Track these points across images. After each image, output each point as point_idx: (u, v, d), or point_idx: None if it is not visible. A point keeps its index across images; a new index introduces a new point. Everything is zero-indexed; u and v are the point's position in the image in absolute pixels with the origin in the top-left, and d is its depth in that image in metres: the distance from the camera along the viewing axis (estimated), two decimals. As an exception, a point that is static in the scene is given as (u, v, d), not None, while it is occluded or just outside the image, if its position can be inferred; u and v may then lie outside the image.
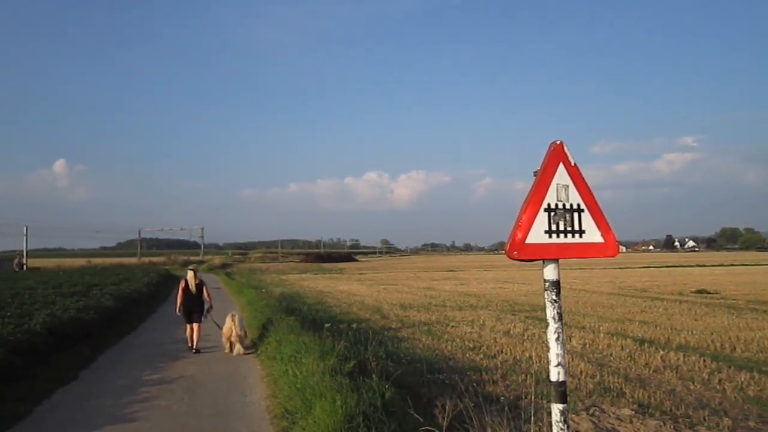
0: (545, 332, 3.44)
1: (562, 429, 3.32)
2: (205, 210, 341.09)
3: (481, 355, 11.61)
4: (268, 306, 18.52)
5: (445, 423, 5.54)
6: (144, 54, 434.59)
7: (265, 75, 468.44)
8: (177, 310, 13.47)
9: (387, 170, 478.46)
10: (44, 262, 78.54)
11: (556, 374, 3.33)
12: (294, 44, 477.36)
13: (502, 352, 11.95)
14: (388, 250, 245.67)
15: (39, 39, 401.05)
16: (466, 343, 13.07)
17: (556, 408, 3.34)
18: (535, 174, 3.38)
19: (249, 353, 12.32)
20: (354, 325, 15.41)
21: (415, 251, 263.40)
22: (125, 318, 18.10)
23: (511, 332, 14.66)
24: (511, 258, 3.30)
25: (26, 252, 75.50)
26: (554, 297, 3.36)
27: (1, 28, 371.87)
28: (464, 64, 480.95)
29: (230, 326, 12.53)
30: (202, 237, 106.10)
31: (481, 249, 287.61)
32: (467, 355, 11.70)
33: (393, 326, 16.18)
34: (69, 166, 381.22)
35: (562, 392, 3.34)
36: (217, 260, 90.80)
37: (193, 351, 12.76)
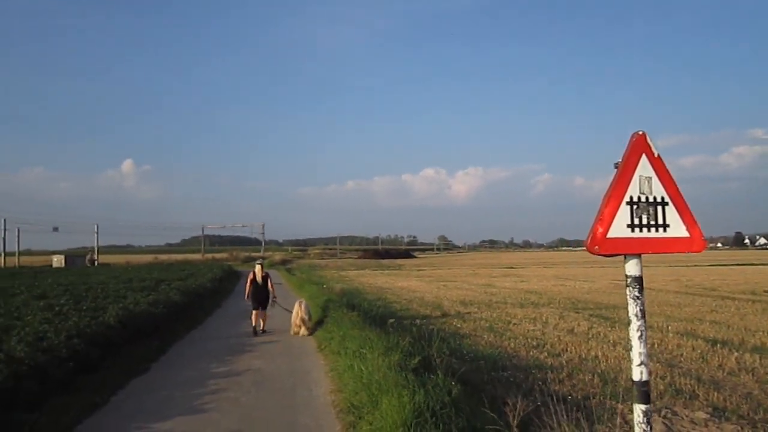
0: (627, 330, 3.32)
1: (645, 430, 3.20)
2: (265, 208, 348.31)
3: (545, 354, 11.39)
4: (330, 301, 18.71)
5: (515, 422, 5.44)
6: (207, 60, 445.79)
7: (320, 73, 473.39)
8: (246, 297, 15.39)
9: (444, 166, 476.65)
10: (114, 258, 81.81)
11: (638, 373, 3.21)
12: (352, 43, 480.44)
13: (566, 350, 11.69)
14: (446, 246, 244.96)
15: (116, 46, 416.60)
16: (529, 340, 12.86)
17: (639, 408, 3.22)
18: (616, 166, 3.25)
19: (311, 334, 14.08)
20: (417, 321, 15.42)
21: (473, 248, 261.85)
22: (191, 312, 18.62)
23: (575, 330, 14.35)
24: (592, 253, 3.20)
25: (97, 249, 78.79)
26: (637, 293, 3.24)
27: (80, 34, 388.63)
28: (520, 59, 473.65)
29: (297, 311, 14.51)
30: (263, 234, 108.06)
31: (540, 245, 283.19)
32: (531, 353, 11.50)
33: (454, 323, 16.08)
34: (136, 166, 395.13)
35: (645, 392, 3.22)
36: (278, 256, 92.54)
37: (260, 332, 14.70)
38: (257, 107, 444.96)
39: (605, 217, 3.19)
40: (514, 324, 15.72)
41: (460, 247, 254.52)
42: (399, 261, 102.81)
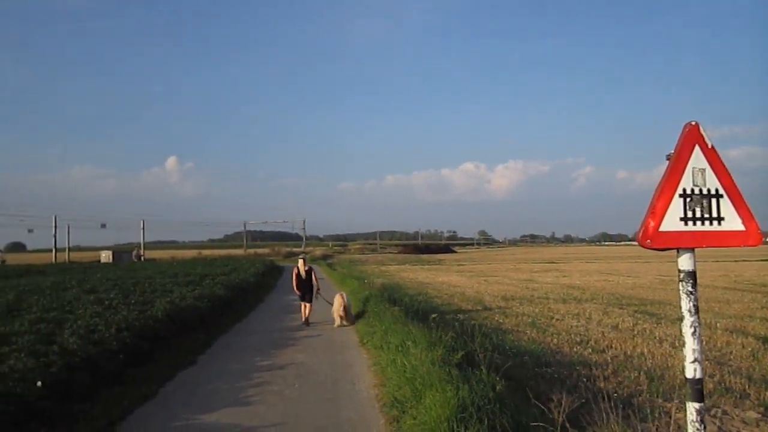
0: (678, 326, 3.25)
1: (698, 429, 3.13)
2: (306, 203, 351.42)
3: (590, 350, 11.22)
4: (371, 296, 18.79)
5: (560, 418, 5.38)
6: (247, 57, 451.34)
7: (356, 67, 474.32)
8: (294, 289, 16.07)
9: (483, 160, 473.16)
10: (159, 253, 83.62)
11: (692, 371, 3.14)
12: (391, 37, 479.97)
13: (611, 347, 11.49)
14: (486, 241, 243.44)
15: (156, 44, 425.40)
16: (572, 336, 12.68)
17: (692, 407, 3.15)
18: (668, 158, 3.18)
19: (351, 326, 14.79)
20: (459, 317, 15.37)
21: (514, 242, 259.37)
22: (235, 306, 18.92)
23: (620, 327, 14.09)
24: (644, 247, 3.13)
25: (143, 244, 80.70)
26: (690, 288, 3.16)
27: (124, 35, 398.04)
28: (561, 52, 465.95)
29: (339, 303, 15.12)
30: (304, 229, 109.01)
31: (582, 240, 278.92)
32: (574, 349, 11.34)
33: (496, 318, 15.96)
34: (180, 163, 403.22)
35: (698, 390, 3.14)
36: (318, 251, 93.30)
37: (306, 324, 15.29)
38: (296, 103, 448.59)
39: (657, 210, 3.12)
40: (557, 320, 15.52)
41: (500, 242, 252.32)
42: (439, 256, 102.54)
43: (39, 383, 6.82)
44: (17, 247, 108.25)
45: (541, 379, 8.65)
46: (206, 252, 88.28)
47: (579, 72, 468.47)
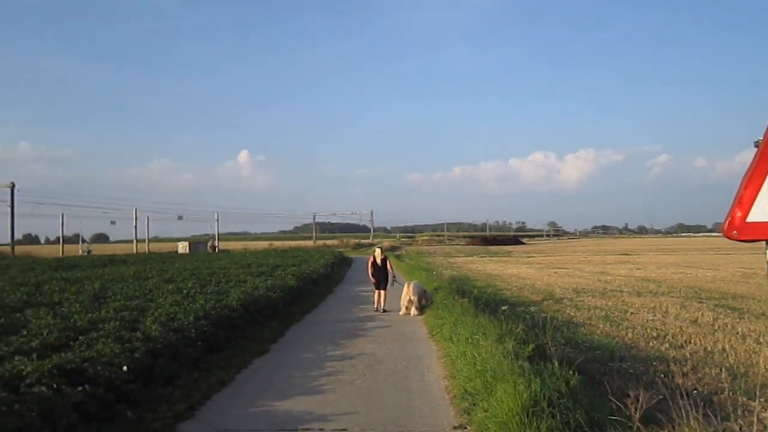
0: (764, 321, 3.09)
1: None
2: (373, 194, 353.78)
3: (667, 345, 10.85)
4: (439, 287, 18.79)
5: (637, 414, 5.24)
6: (315, 48, 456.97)
7: (426, 60, 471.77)
8: (370, 276, 16.94)
9: (553, 150, 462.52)
10: (232, 244, 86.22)
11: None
12: (456, 25, 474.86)
13: (690, 342, 11.09)
14: (556, 232, 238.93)
15: (228, 38, 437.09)
16: (648, 331, 12.30)
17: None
18: (757, 145, 3.02)
19: (420, 315, 15.05)
20: (531, 309, 15.17)
21: (585, 234, 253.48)
22: (306, 297, 19.27)
23: (699, 321, 13.56)
24: (730, 238, 3.01)
25: (217, 235, 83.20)
26: (780, 282, 3.01)
27: (197, 30, 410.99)
28: (635, 35, 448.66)
29: (406, 292, 15.54)
30: (372, 221, 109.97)
31: (657, 231, 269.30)
32: (650, 344, 11.00)
33: (567, 311, 15.65)
34: (251, 157, 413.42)
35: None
36: (386, 243, 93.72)
37: (381, 311, 15.99)
38: (362, 95, 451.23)
39: (745, 200, 2.98)
40: (632, 313, 15.08)
41: (570, 233, 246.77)
42: (507, 247, 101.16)
43: (125, 368, 7.16)
44: (101, 238, 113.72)
45: (615, 374, 8.43)
46: (277, 243, 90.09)
47: (651, 56, 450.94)
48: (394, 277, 17.12)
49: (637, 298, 18.72)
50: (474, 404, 6.77)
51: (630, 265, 38.38)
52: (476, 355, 8.16)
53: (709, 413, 5.59)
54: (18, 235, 62.38)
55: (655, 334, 11.97)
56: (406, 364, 9.59)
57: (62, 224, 69.26)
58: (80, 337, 8.76)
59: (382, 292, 16.42)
